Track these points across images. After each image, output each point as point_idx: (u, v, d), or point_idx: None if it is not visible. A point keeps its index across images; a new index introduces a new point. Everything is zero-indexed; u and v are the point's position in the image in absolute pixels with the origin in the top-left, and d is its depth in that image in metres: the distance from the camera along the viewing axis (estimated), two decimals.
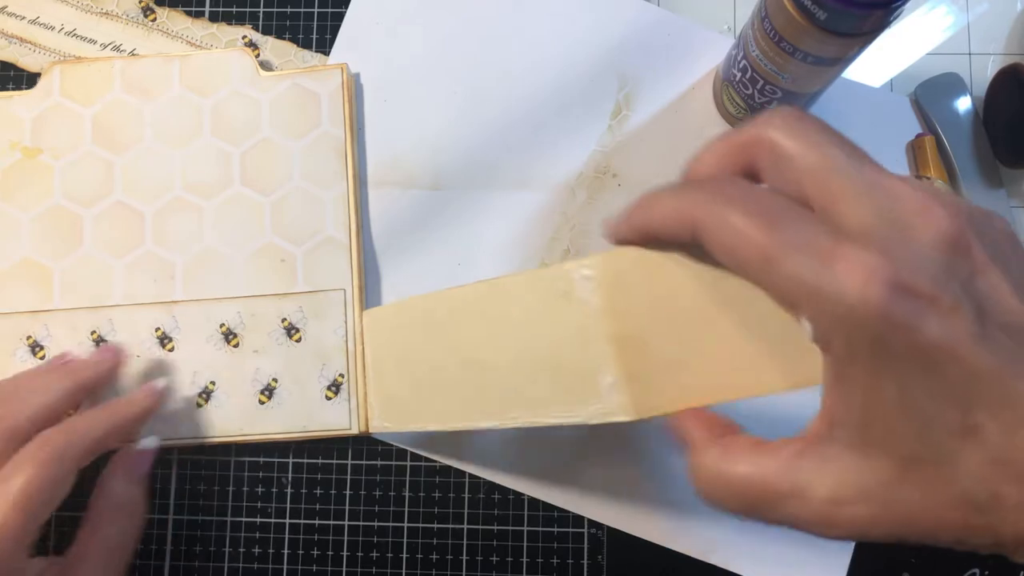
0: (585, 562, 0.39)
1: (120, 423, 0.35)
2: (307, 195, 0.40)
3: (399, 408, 0.37)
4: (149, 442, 0.37)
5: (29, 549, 0.30)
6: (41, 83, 0.41)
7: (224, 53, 0.42)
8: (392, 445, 0.40)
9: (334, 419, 0.38)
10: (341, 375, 0.39)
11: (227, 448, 0.40)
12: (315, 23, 0.43)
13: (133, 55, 0.42)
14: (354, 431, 0.38)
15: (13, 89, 0.43)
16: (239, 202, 0.40)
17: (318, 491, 0.40)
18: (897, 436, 0.20)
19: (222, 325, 0.40)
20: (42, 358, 0.39)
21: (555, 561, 0.39)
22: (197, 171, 0.41)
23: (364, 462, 0.40)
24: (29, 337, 0.39)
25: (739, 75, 0.37)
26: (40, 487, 0.30)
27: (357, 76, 0.42)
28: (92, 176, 0.41)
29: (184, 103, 0.41)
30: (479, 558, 0.39)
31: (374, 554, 0.40)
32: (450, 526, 0.40)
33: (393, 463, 0.40)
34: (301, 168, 0.40)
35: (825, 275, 0.19)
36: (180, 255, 0.40)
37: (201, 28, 0.43)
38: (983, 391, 0.19)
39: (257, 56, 0.42)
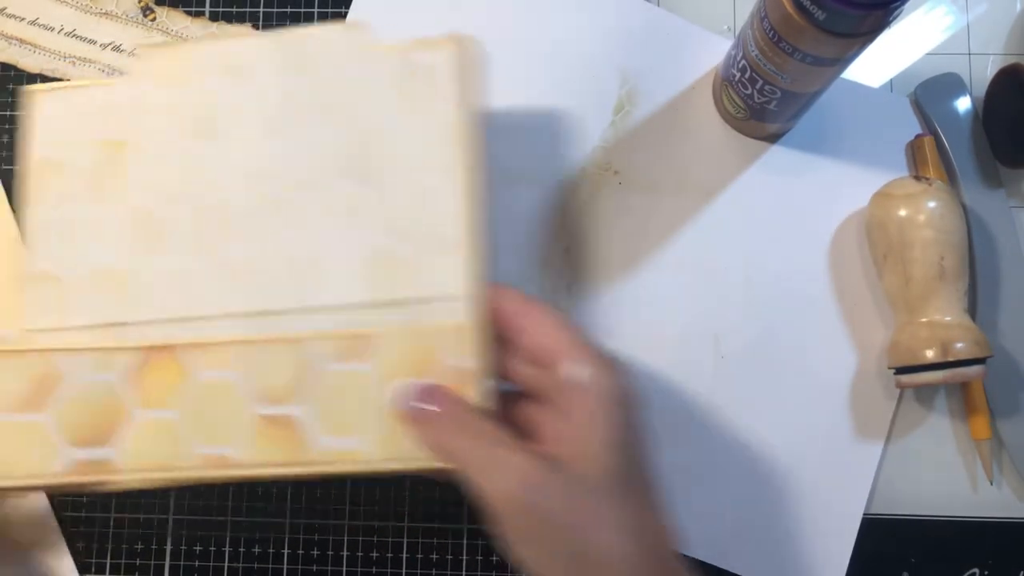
0: None
1: None
2: (419, 186, 0.34)
3: None
4: None
5: None
6: (125, 70, 0.38)
7: (326, 28, 0.36)
8: None
9: None
10: None
11: None
12: (315, 22, 0.43)
13: (214, 35, 0.40)
14: None
15: (14, 89, 0.43)
16: (341, 197, 0.34)
17: (318, 491, 0.40)
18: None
19: None
20: None
21: None
22: (295, 163, 0.35)
23: None
24: None
25: (738, 75, 0.37)
26: None
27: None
28: (178, 171, 0.35)
29: (280, 86, 0.35)
30: (479, 558, 0.39)
31: (374, 554, 0.40)
32: (450, 526, 0.40)
33: None
34: (411, 156, 0.35)
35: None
36: (273, 258, 0.34)
37: (201, 27, 0.43)
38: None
39: None
